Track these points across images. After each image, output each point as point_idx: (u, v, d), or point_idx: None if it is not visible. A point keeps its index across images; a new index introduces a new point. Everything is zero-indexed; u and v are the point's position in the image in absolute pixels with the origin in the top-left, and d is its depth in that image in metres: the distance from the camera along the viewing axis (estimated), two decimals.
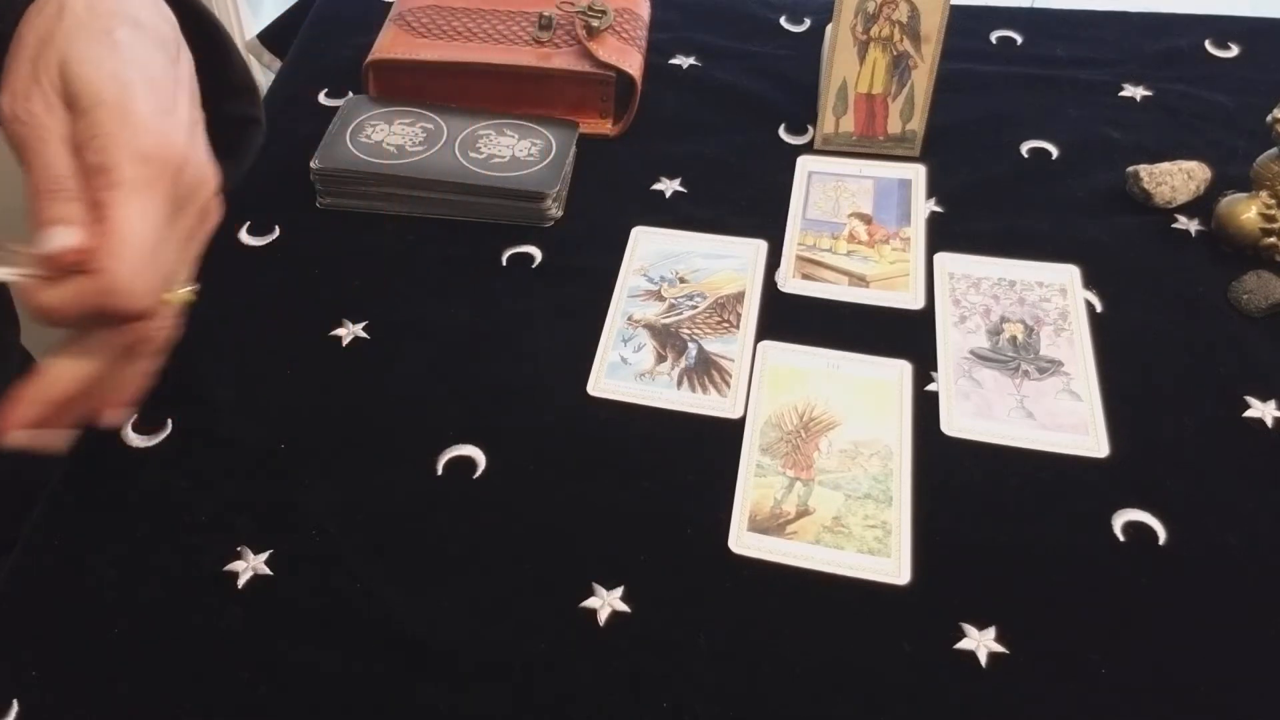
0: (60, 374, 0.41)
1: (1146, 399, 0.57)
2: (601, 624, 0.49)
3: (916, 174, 0.71)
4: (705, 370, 0.59)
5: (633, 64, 0.73)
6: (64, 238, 0.37)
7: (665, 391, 0.58)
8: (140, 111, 0.39)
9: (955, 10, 0.68)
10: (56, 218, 0.37)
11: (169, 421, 0.58)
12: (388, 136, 0.70)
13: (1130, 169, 0.68)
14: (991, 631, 0.48)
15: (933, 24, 0.68)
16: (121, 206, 0.38)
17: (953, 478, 0.54)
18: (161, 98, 0.41)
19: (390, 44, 0.74)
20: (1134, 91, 0.76)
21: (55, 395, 0.41)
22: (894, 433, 0.56)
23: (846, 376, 0.59)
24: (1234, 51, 0.80)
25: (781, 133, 0.74)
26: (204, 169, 0.42)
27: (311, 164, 0.68)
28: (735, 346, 0.60)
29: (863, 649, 0.48)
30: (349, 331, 0.62)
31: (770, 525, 0.52)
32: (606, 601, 0.50)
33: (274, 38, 0.91)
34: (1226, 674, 0.46)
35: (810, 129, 0.74)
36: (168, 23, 0.44)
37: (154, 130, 0.39)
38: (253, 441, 0.57)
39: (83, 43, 0.40)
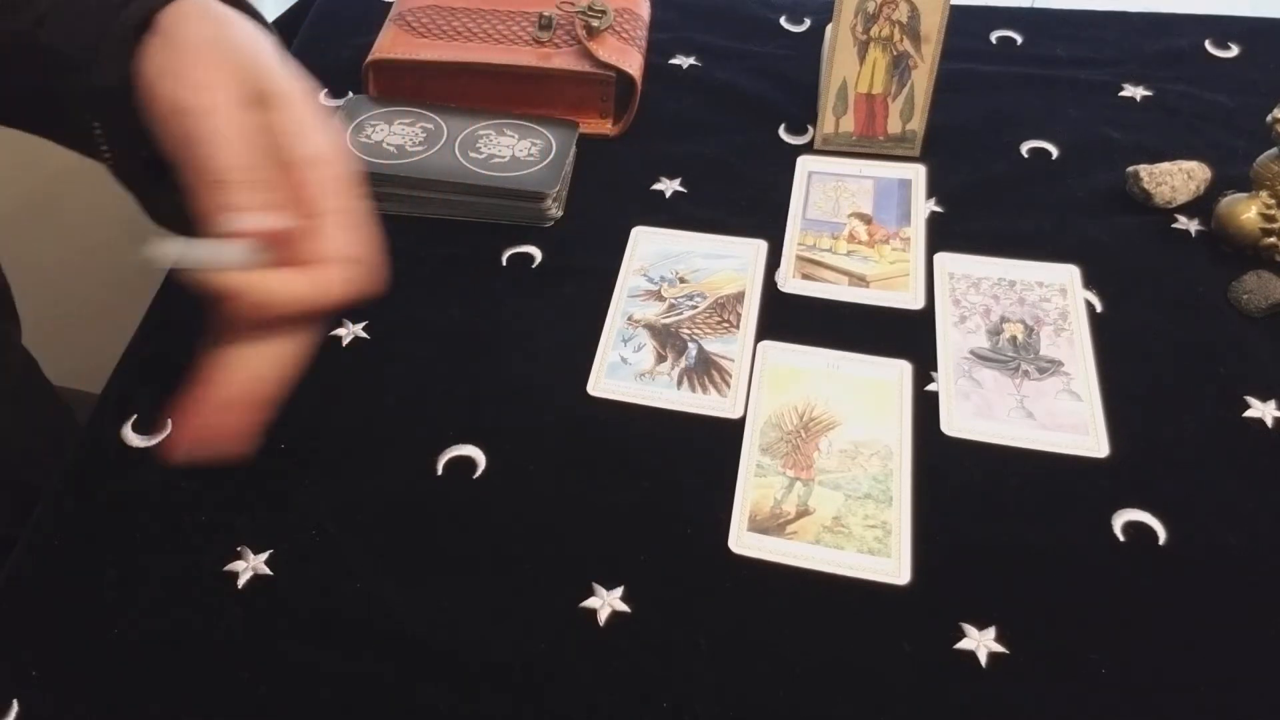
0: (243, 373, 0.41)
1: (1146, 399, 0.57)
2: (601, 624, 0.49)
3: (916, 174, 0.71)
4: (705, 370, 0.59)
5: (633, 64, 0.73)
6: (276, 220, 0.38)
7: (665, 391, 0.58)
8: (318, 110, 0.41)
9: (955, 10, 0.68)
10: (254, 203, 0.39)
11: (169, 422, 0.58)
12: (388, 136, 0.70)
13: (1130, 169, 0.68)
14: (991, 631, 0.48)
15: (933, 24, 0.68)
16: (341, 199, 0.40)
17: (953, 478, 0.54)
18: None
19: (390, 44, 0.74)
20: (1134, 91, 0.76)
21: (241, 396, 0.41)
22: (894, 433, 0.56)
23: (846, 376, 0.59)
24: (1234, 51, 0.80)
25: (781, 133, 0.74)
26: None
27: None
28: (735, 346, 0.60)
29: (863, 649, 0.48)
30: (349, 331, 0.62)
31: (770, 525, 0.52)
32: (606, 601, 0.50)
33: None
34: (1226, 674, 0.46)
35: (810, 129, 0.74)
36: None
37: (331, 128, 0.42)
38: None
39: (258, 45, 0.42)
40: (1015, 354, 0.60)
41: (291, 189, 0.40)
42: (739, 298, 0.63)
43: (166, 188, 0.48)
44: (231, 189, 0.40)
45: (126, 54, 0.45)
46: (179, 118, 0.41)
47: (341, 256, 0.40)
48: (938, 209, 0.68)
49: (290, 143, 0.40)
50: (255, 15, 0.48)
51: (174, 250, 0.38)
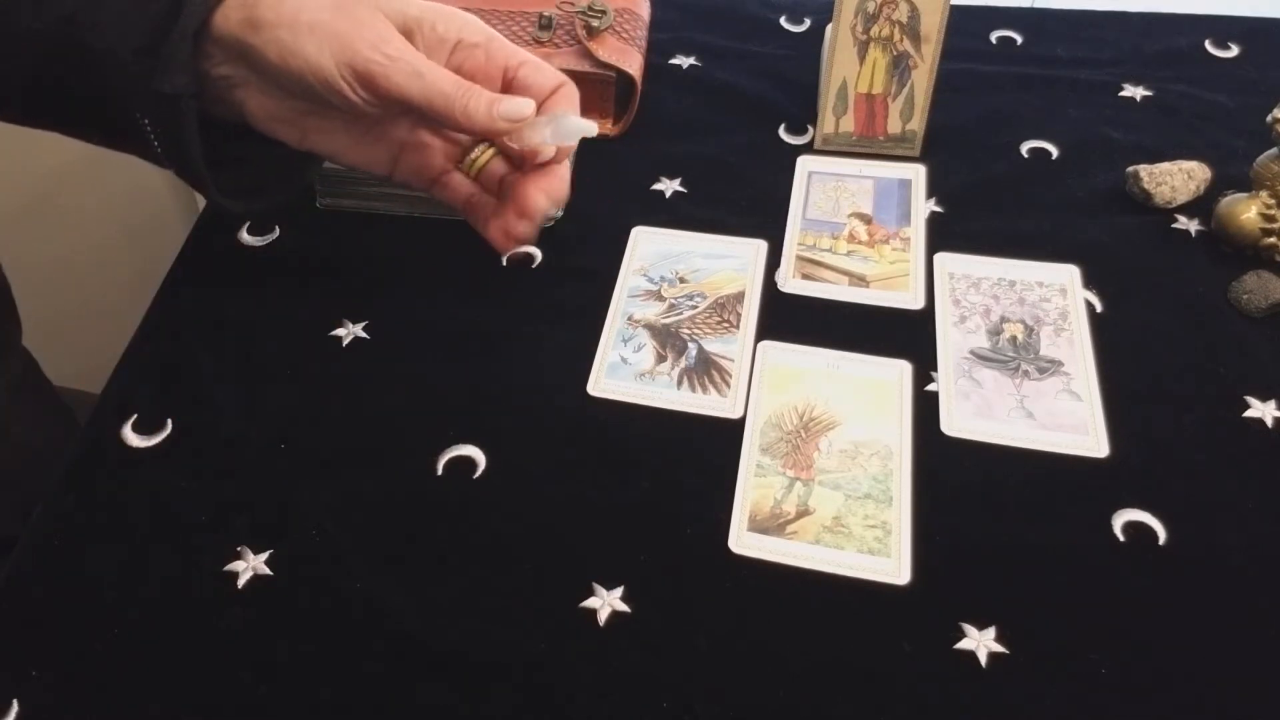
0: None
1: (1146, 399, 0.57)
2: (601, 624, 0.49)
3: (916, 174, 0.71)
4: (705, 370, 0.59)
5: (633, 64, 0.73)
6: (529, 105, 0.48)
7: (665, 391, 0.58)
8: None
9: (955, 10, 0.68)
10: (491, 97, 0.47)
11: (169, 421, 0.58)
12: None
13: (1130, 169, 0.68)
14: (991, 631, 0.48)
15: (933, 24, 0.68)
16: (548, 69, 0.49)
17: (953, 478, 0.54)
18: None
19: None
20: (1134, 91, 0.76)
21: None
22: (894, 433, 0.56)
23: (846, 376, 0.59)
24: (1234, 51, 0.80)
25: (781, 133, 0.74)
26: None
27: None
28: (735, 346, 0.60)
29: (863, 649, 0.48)
30: (349, 331, 0.62)
31: (770, 525, 0.52)
32: (606, 601, 0.50)
33: None
34: (1226, 674, 0.46)
35: (810, 129, 0.74)
36: None
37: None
38: (253, 441, 0.57)
39: None
40: (1015, 354, 0.60)
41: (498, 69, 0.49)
42: (739, 298, 0.63)
43: (230, 168, 0.53)
44: (462, 100, 0.47)
45: (189, 58, 0.47)
46: (366, 71, 0.47)
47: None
48: (938, 209, 0.68)
49: (482, 51, 0.48)
50: None
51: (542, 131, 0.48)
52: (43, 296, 0.82)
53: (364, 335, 0.62)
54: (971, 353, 0.60)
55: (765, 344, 0.61)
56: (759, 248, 0.66)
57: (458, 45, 0.48)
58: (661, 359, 0.60)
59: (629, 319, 0.62)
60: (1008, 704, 0.46)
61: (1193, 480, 0.53)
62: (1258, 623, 0.48)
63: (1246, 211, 0.63)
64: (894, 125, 0.71)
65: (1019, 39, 0.82)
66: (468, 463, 0.55)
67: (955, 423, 0.56)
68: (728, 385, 0.58)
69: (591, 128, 0.49)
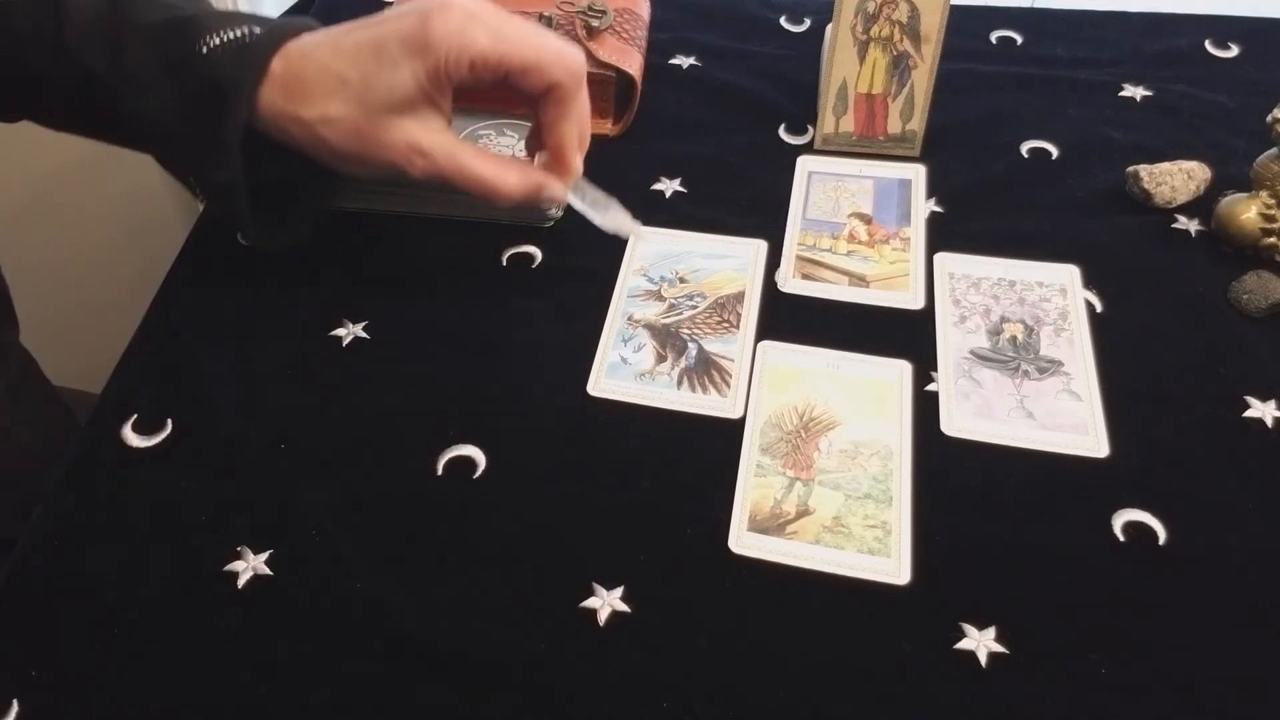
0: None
1: (1146, 399, 0.57)
2: (601, 624, 0.49)
3: (916, 174, 0.71)
4: (705, 370, 0.59)
5: (633, 64, 0.73)
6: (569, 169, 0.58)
7: (665, 391, 0.58)
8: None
9: (955, 10, 0.68)
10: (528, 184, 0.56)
11: (169, 421, 0.58)
12: None
13: (1130, 169, 0.68)
14: (991, 631, 0.48)
15: (933, 24, 0.68)
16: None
17: (953, 478, 0.54)
18: None
19: None
20: (1134, 91, 0.76)
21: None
22: (894, 433, 0.56)
23: (846, 376, 0.59)
24: (1234, 51, 0.80)
25: (781, 133, 0.74)
26: None
27: None
28: (735, 346, 0.60)
29: (863, 649, 0.48)
30: (349, 331, 0.62)
31: (770, 525, 0.52)
32: (606, 601, 0.50)
33: None
34: (1226, 674, 0.46)
35: (810, 129, 0.74)
36: None
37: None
38: (253, 441, 0.57)
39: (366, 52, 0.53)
40: (1015, 354, 0.60)
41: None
42: (739, 298, 0.63)
43: (267, 212, 0.58)
44: (521, 181, 0.55)
45: (237, 151, 0.52)
46: (412, 160, 0.54)
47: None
48: (938, 209, 0.68)
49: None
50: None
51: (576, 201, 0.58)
52: (42, 296, 0.82)
53: (364, 335, 0.62)
54: (971, 353, 0.60)
55: (765, 344, 0.61)
56: (759, 248, 0.66)
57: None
58: (661, 359, 0.60)
59: (629, 319, 0.62)
60: (1008, 704, 0.46)
61: (1193, 480, 0.53)
62: (1258, 623, 0.48)
63: (1246, 211, 0.63)
64: (894, 125, 0.71)
65: (1019, 39, 0.82)
66: (468, 463, 0.55)
67: (955, 423, 0.56)
68: (728, 385, 0.58)
69: (636, 230, 0.60)
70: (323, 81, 0.52)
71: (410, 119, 0.53)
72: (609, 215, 0.59)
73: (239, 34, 0.52)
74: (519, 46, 0.52)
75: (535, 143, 0.58)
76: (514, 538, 0.52)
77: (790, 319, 0.62)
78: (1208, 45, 0.80)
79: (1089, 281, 0.63)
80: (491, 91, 0.73)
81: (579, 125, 0.56)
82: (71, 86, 0.53)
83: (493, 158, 0.55)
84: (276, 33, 0.53)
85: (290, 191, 0.60)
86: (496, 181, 0.55)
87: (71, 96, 0.54)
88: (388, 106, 0.52)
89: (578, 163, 0.57)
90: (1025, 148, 0.72)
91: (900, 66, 0.69)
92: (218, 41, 0.51)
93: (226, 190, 0.54)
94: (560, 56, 0.53)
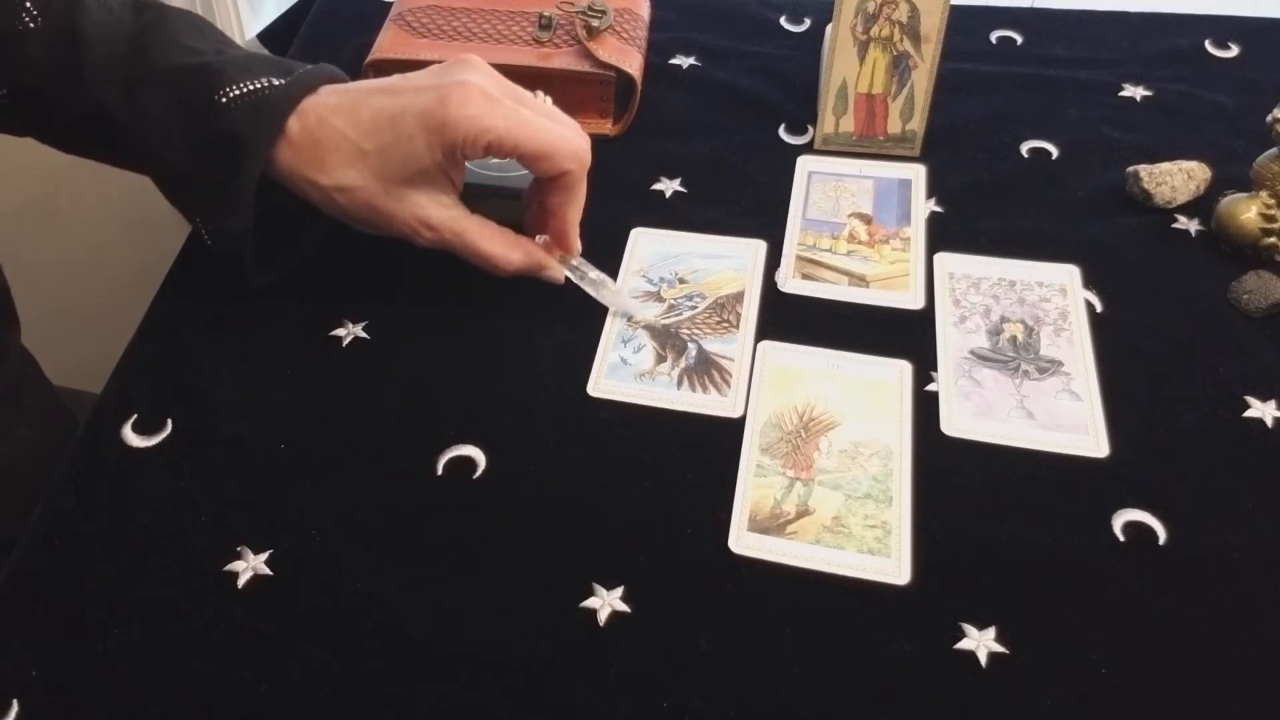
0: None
1: (1146, 399, 0.57)
2: (601, 624, 0.49)
3: (916, 174, 0.71)
4: (705, 370, 0.59)
5: (633, 64, 0.73)
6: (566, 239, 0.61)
7: (665, 391, 0.58)
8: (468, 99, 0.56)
9: (955, 10, 0.68)
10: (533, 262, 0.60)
11: (169, 421, 0.58)
12: None
13: (1130, 169, 0.68)
14: (991, 631, 0.48)
15: (933, 24, 0.68)
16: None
17: (953, 478, 0.54)
18: None
19: (390, 44, 0.74)
20: (1134, 91, 0.76)
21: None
22: (894, 433, 0.56)
23: (846, 376, 0.59)
24: (1234, 51, 0.80)
25: (781, 133, 0.74)
26: None
27: None
28: (735, 346, 0.60)
29: (863, 649, 0.48)
30: (349, 331, 0.62)
31: (770, 525, 0.52)
32: (606, 601, 0.50)
33: (274, 38, 0.91)
34: (1226, 674, 0.46)
35: (810, 129, 0.74)
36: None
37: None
38: (253, 441, 0.57)
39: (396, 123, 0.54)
40: (1015, 354, 0.60)
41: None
42: (739, 298, 0.63)
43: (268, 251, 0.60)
44: (527, 258, 0.59)
45: (250, 202, 0.54)
46: (420, 232, 0.57)
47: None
48: (938, 209, 0.68)
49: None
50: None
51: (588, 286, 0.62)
52: (42, 296, 0.82)
53: (364, 335, 0.62)
54: (971, 353, 0.60)
55: (765, 344, 0.61)
56: (759, 248, 0.66)
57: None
58: (661, 359, 0.60)
59: (629, 320, 0.62)
60: (1008, 704, 0.46)
61: (1193, 480, 0.53)
62: (1258, 623, 0.48)
63: (1246, 211, 0.63)
64: (894, 125, 0.71)
65: (1019, 39, 0.82)
66: (468, 463, 0.55)
67: (955, 423, 0.56)
68: (728, 385, 0.58)
69: (635, 309, 0.62)
70: (340, 150, 0.53)
71: (421, 192, 0.55)
72: (606, 294, 0.62)
73: (258, 86, 0.52)
74: (534, 134, 0.53)
75: (538, 224, 0.60)
76: (514, 538, 0.52)
77: (790, 319, 0.62)
78: (1208, 45, 0.80)
79: (1089, 281, 0.63)
80: None
81: (581, 208, 0.59)
82: (85, 119, 0.54)
83: (498, 234, 0.58)
84: (295, 87, 0.53)
85: (290, 238, 0.62)
86: (500, 260, 0.58)
87: (84, 127, 0.55)
88: (401, 179, 0.54)
89: (578, 245, 0.60)
90: (1025, 148, 0.72)
91: (900, 66, 0.69)
92: (237, 92, 0.52)
93: (235, 237, 0.56)
94: (571, 146, 0.54)
